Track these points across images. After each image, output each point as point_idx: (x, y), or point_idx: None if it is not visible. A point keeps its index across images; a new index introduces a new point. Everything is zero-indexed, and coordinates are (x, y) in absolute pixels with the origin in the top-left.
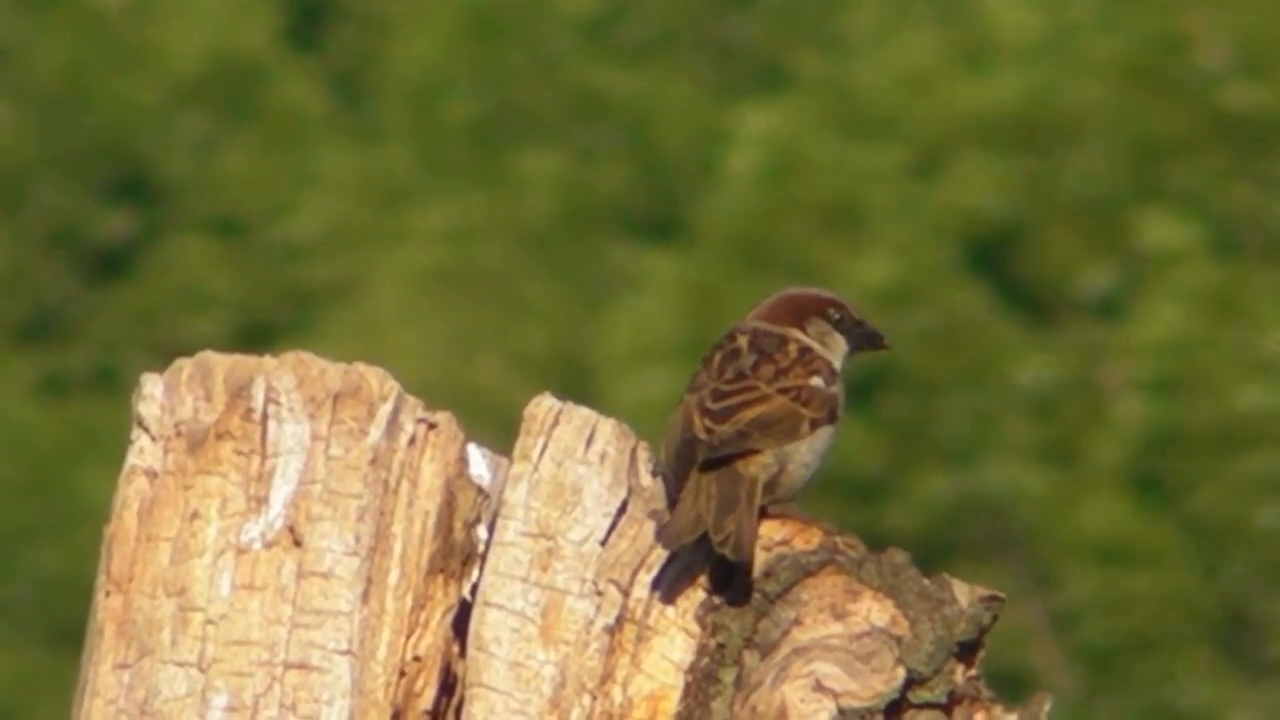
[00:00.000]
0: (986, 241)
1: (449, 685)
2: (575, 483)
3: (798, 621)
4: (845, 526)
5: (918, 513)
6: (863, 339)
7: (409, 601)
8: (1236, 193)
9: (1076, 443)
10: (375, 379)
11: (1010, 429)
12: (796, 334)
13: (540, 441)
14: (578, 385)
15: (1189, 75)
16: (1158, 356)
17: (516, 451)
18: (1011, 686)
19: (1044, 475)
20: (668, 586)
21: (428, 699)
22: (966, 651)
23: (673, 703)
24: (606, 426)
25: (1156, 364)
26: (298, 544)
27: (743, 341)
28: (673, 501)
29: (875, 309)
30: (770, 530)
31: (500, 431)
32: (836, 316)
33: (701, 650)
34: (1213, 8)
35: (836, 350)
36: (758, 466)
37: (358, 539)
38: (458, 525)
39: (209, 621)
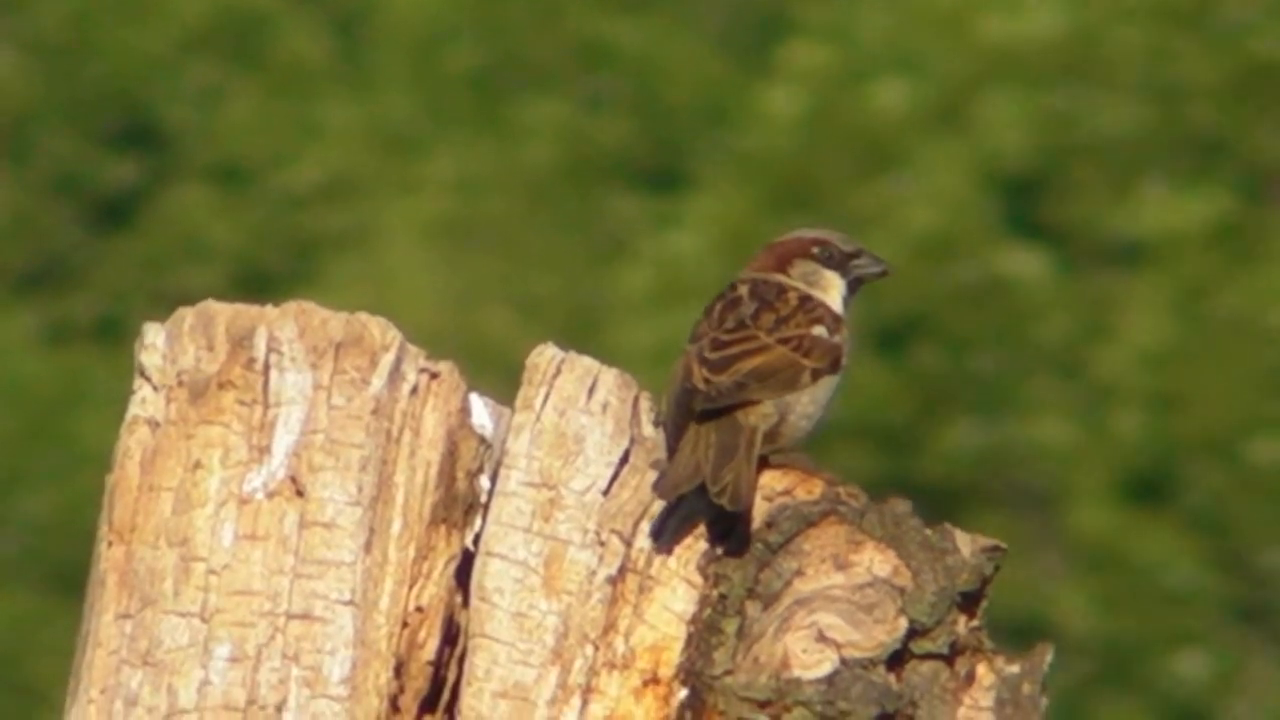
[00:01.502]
0: (1014, 183)
1: (452, 635)
2: (577, 432)
3: (800, 572)
4: (871, 477)
5: (944, 463)
6: (859, 270)
7: (411, 552)
8: (1264, 142)
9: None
10: (377, 328)
11: (1037, 384)
12: (782, 279)
13: (542, 391)
14: (585, 334)
15: (1221, 21)
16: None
17: (519, 401)
18: (1027, 640)
19: (1069, 431)
20: (669, 537)
21: (430, 649)
22: (969, 602)
23: (675, 653)
24: (609, 376)
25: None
26: (300, 494)
27: (743, 290)
28: (672, 451)
29: (910, 259)
30: (772, 480)
31: (507, 381)
32: (824, 254)
33: (704, 601)
34: None
35: (832, 289)
36: (758, 416)
37: (360, 489)
38: (460, 475)
39: (211, 571)
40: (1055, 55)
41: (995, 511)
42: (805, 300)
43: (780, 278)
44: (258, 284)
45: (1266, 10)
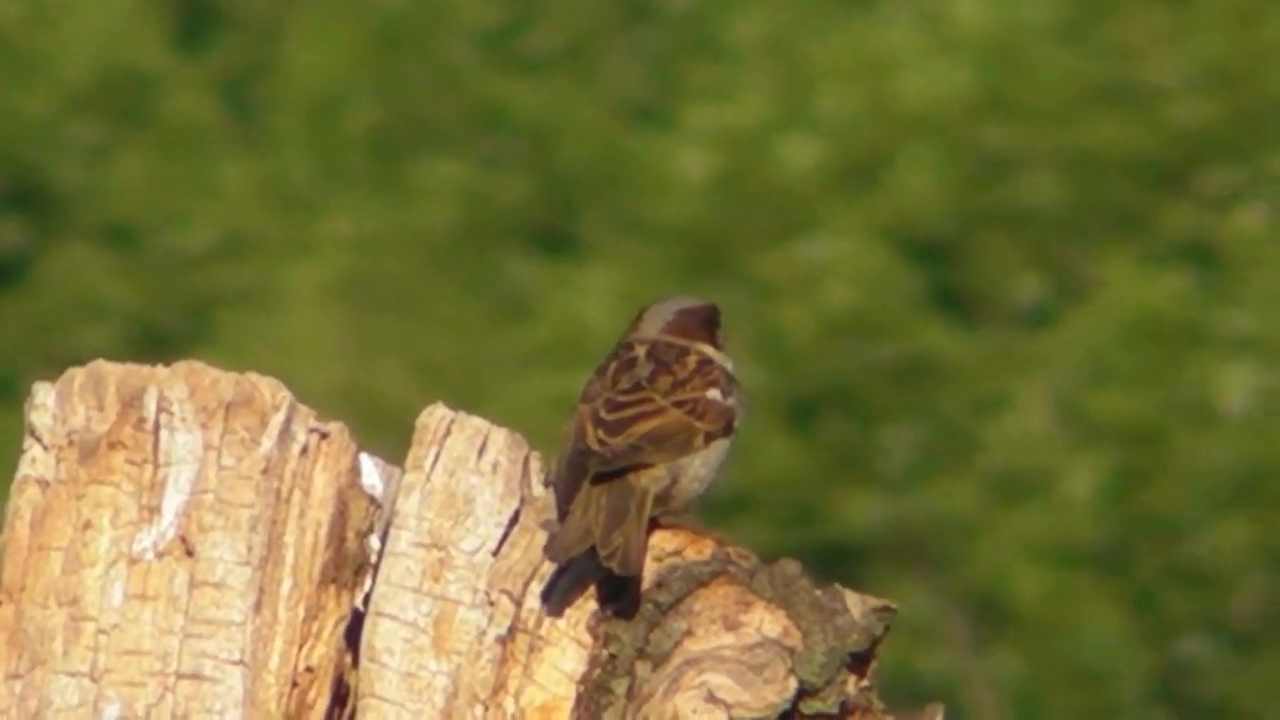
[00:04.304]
0: (927, 249)
1: (341, 696)
2: (467, 493)
3: (689, 632)
4: (779, 549)
5: (850, 533)
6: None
7: (301, 612)
8: (1179, 211)
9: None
10: (267, 388)
11: (950, 458)
12: (703, 347)
13: (432, 451)
14: (481, 394)
15: (1141, 89)
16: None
17: (409, 461)
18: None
19: (978, 503)
20: (559, 597)
21: (320, 709)
22: (859, 662)
23: (565, 713)
24: (499, 436)
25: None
26: (190, 554)
27: (640, 351)
28: (563, 513)
29: (823, 334)
30: (662, 541)
31: (403, 441)
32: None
33: (593, 661)
34: (1164, 20)
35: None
36: (650, 479)
37: (250, 549)
38: (350, 535)
39: (101, 631)
40: (970, 116)
41: (903, 578)
42: (704, 364)
43: (696, 344)
44: (153, 344)
45: (1185, 79)
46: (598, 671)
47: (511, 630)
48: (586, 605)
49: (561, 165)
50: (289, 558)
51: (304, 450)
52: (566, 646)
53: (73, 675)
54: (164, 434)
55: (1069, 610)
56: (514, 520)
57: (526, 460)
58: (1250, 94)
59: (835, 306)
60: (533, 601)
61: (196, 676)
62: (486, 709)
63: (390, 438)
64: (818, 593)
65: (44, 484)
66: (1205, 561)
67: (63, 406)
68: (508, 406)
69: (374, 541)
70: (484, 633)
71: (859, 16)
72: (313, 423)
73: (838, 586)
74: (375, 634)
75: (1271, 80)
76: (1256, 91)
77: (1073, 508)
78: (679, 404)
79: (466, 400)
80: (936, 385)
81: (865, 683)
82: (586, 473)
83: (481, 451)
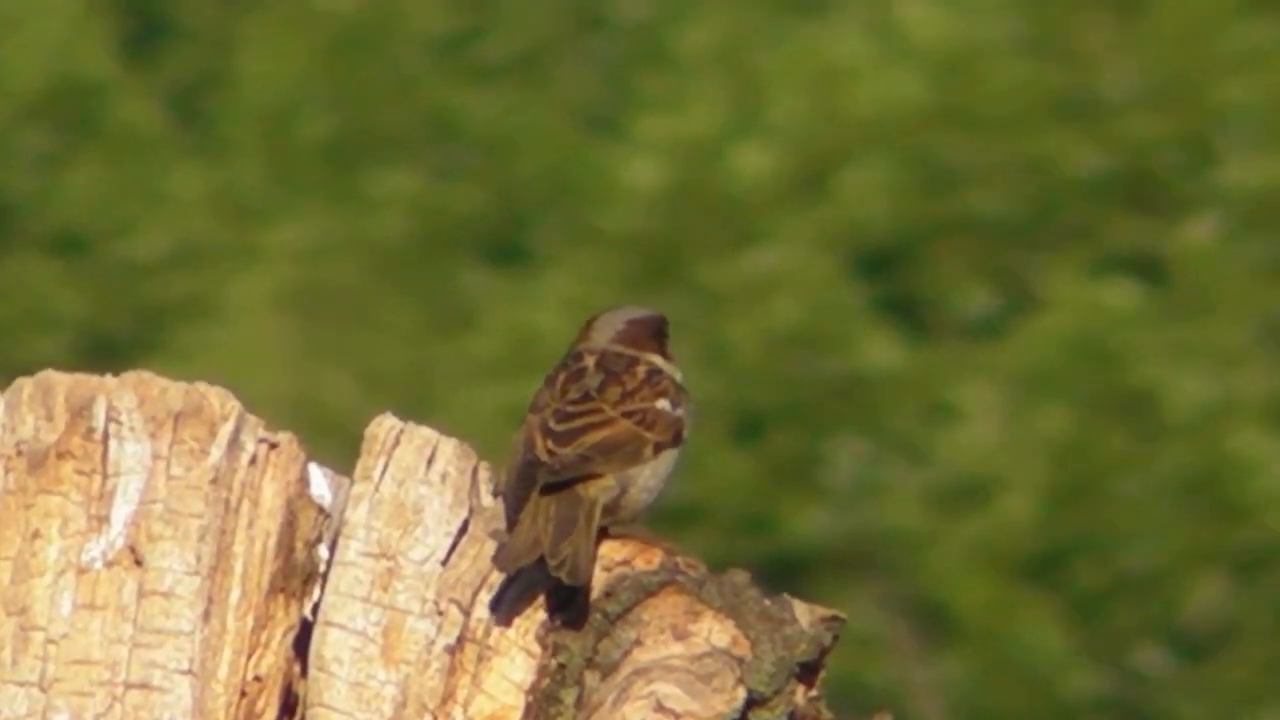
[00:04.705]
0: (876, 259)
1: (290, 705)
2: (416, 502)
3: (638, 642)
4: (726, 561)
5: (798, 544)
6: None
7: (250, 621)
8: (1129, 222)
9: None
10: (216, 398)
11: (897, 469)
12: (652, 358)
13: (381, 461)
14: (429, 404)
15: (1093, 102)
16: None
17: (358, 471)
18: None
19: (925, 513)
20: (508, 607)
21: (269, 719)
22: (807, 672)
23: None
24: (448, 446)
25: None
26: (139, 563)
27: (590, 361)
28: (512, 523)
29: (772, 349)
30: (611, 550)
31: (353, 450)
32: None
33: (542, 670)
34: (1117, 32)
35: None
36: (598, 489)
37: (199, 558)
38: (299, 545)
39: (50, 641)
40: (921, 127)
41: (851, 588)
42: (653, 374)
43: (646, 355)
44: (102, 354)
45: (1137, 92)
46: (546, 681)
47: (460, 640)
48: (535, 615)
49: (514, 175)
50: (238, 567)
51: (253, 460)
52: (515, 656)
53: (21, 685)
54: (113, 444)
55: (1015, 620)
56: (463, 530)
57: (475, 470)
58: (1201, 107)
59: (784, 317)
60: (481, 611)
61: (145, 686)
62: (435, 718)
63: (339, 448)
64: (766, 602)
65: None
66: (1153, 571)
67: (11, 416)
68: (457, 417)
69: (323, 551)
70: (433, 642)
71: (811, 26)
72: (262, 433)
73: (786, 596)
74: (324, 643)
75: (1222, 94)
76: (1207, 105)
77: (1020, 518)
78: (628, 414)
79: (416, 410)
80: (884, 396)
81: (813, 692)
82: (535, 483)
83: (430, 461)
